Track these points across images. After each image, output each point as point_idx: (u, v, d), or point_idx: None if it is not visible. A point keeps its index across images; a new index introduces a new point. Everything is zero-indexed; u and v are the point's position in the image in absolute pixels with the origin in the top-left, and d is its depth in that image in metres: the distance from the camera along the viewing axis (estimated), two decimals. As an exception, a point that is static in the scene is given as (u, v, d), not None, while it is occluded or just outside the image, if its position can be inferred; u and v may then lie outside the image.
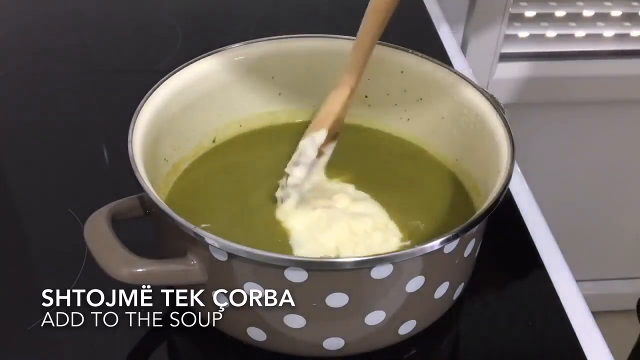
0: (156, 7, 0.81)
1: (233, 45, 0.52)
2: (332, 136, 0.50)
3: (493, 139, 0.45)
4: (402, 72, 0.52)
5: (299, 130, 0.53)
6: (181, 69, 0.49)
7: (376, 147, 0.54)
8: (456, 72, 0.50)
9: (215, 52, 0.51)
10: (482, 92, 0.48)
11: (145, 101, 0.46)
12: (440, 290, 0.42)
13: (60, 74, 0.69)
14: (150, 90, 0.47)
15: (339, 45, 0.52)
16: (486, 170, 0.46)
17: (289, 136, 0.53)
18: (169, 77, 0.48)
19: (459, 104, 0.49)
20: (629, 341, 0.83)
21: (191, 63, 0.50)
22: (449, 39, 0.77)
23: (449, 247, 0.39)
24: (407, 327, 0.42)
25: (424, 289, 0.40)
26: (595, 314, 0.49)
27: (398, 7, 0.47)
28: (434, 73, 0.51)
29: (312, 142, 0.48)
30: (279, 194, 0.47)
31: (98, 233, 0.39)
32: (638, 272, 1.30)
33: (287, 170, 0.48)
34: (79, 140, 0.61)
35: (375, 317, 0.40)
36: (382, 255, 0.38)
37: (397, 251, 0.37)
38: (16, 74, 0.69)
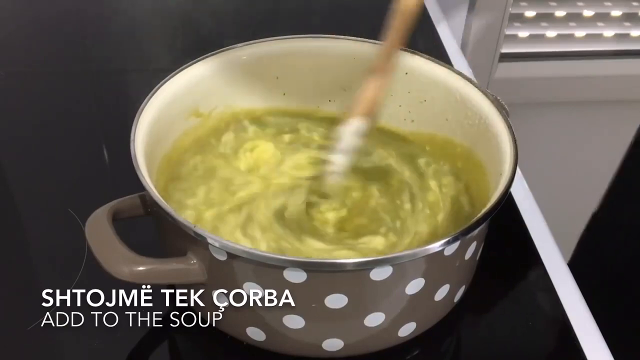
0: (157, 7, 0.81)
1: (236, 46, 0.52)
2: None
3: (496, 141, 0.45)
4: (406, 73, 0.51)
5: (302, 130, 0.53)
6: (184, 68, 0.49)
7: (379, 148, 0.54)
8: (460, 74, 0.50)
9: (218, 52, 0.51)
10: (487, 94, 0.48)
11: (149, 100, 0.46)
12: (441, 293, 0.42)
13: (60, 74, 0.69)
14: (154, 89, 0.47)
15: (342, 45, 0.52)
16: (488, 172, 0.46)
17: (293, 135, 0.53)
18: (172, 76, 0.48)
19: (463, 106, 0.49)
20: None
21: (194, 63, 0.50)
22: (449, 39, 0.77)
23: (450, 250, 0.39)
24: (407, 329, 0.42)
25: (424, 291, 0.40)
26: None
27: None
28: (438, 75, 0.50)
29: (351, 129, 0.47)
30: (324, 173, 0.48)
31: (99, 231, 0.39)
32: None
33: (330, 158, 0.47)
34: (79, 140, 0.61)
35: (374, 319, 0.40)
36: (382, 257, 0.38)
37: (397, 253, 0.37)
38: (16, 74, 0.69)
